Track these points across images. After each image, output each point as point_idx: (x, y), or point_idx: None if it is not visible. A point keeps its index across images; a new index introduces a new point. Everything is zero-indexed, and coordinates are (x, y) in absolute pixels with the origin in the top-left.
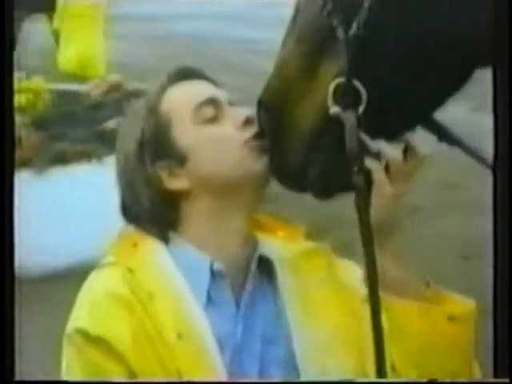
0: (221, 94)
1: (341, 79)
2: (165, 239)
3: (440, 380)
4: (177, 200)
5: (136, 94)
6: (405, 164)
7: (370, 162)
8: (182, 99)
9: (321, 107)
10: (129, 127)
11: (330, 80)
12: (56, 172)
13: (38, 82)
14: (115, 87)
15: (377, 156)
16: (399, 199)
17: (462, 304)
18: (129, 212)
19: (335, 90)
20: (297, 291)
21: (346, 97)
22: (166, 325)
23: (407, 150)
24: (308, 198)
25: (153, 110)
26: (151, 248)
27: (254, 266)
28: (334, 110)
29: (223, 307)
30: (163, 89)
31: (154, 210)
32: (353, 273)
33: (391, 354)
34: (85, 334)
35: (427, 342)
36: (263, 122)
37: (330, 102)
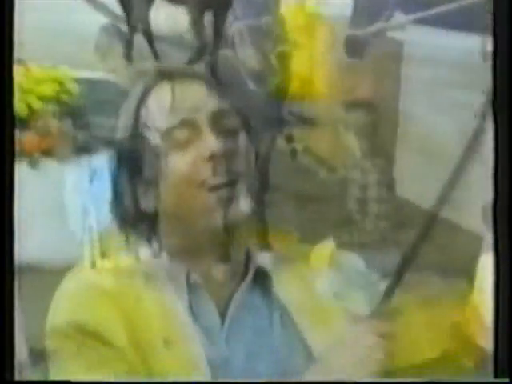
0: (208, 105)
1: None
2: (149, 243)
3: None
4: (151, 216)
5: None
6: None
7: None
8: (156, 113)
9: None
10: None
11: None
12: (78, 161)
13: (63, 71)
14: (143, 75)
15: None
16: None
17: None
18: (115, 214)
19: None
20: (295, 299)
21: None
22: (154, 329)
23: None
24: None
25: (134, 120)
26: (139, 251)
27: (249, 277)
28: None
29: (206, 320)
30: (145, 92)
31: (132, 220)
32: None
33: None
34: (79, 327)
35: None
36: None
37: None
